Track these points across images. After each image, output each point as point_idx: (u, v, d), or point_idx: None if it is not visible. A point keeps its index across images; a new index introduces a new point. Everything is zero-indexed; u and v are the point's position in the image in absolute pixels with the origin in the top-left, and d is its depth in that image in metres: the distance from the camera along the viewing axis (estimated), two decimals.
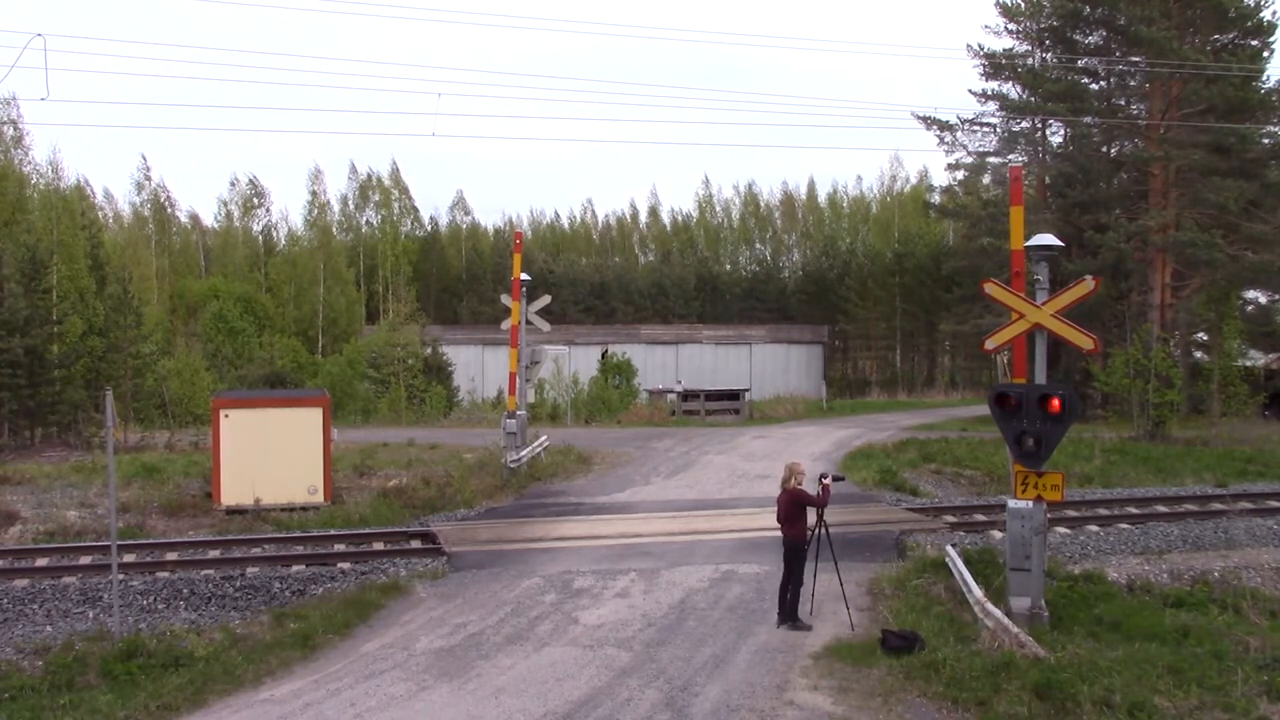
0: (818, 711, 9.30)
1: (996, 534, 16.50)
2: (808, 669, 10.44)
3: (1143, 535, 17.25)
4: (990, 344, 12.70)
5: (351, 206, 69.62)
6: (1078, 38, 43.73)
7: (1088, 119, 41.99)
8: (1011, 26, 44.52)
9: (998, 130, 45.17)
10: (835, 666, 10.49)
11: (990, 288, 12.47)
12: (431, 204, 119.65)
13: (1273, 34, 40.27)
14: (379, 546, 16.58)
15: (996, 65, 43.32)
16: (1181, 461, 26.03)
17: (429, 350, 45.23)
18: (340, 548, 16.46)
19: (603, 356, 46.60)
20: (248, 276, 60.95)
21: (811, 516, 12.06)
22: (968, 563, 13.24)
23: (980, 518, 18.55)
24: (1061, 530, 17.46)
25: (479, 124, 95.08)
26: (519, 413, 22.79)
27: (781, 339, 56.40)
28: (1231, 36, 40.48)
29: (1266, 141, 40.27)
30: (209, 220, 68.62)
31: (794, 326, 59.48)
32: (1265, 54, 40.67)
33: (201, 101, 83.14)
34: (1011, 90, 43.89)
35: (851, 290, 63.86)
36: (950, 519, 18.30)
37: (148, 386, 36.40)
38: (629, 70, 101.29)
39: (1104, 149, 43.91)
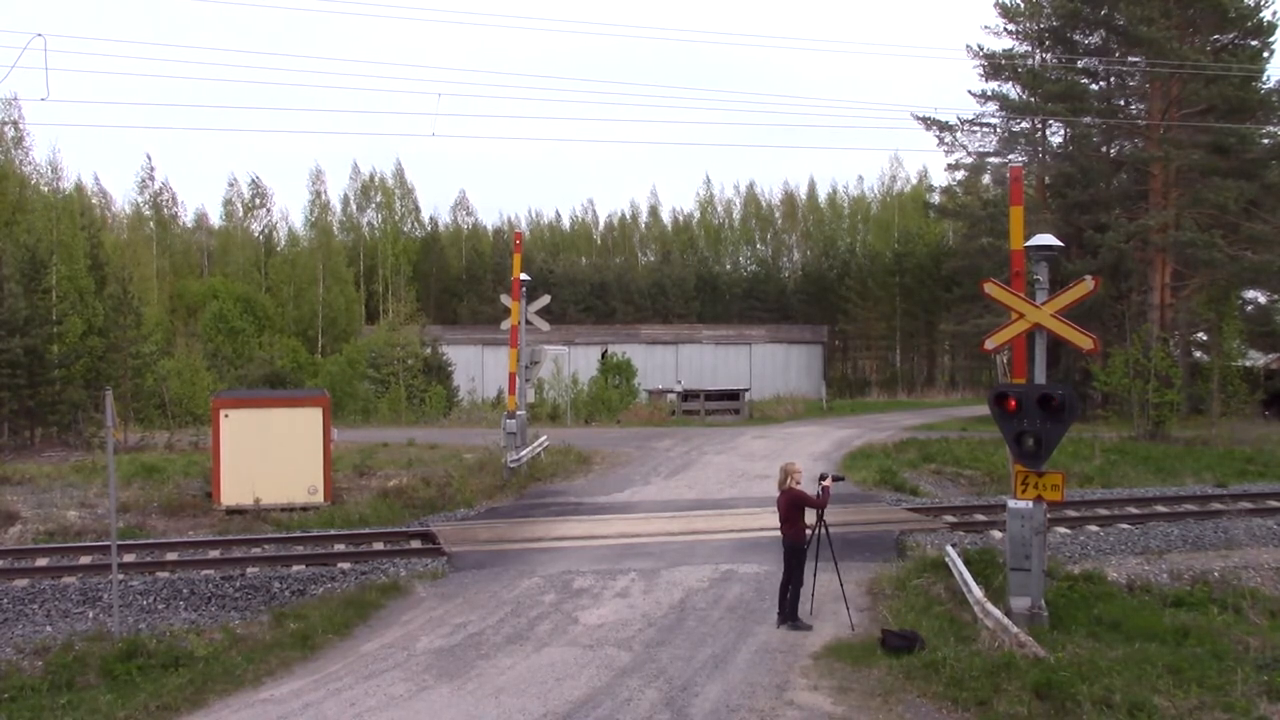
0: (818, 711, 9.29)
1: (996, 534, 16.49)
2: (808, 669, 10.43)
3: (1143, 535, 17.25)
4: (990, 344, 12.69)
5: (353, 207, 69.74)
6: (1078, 38, 43.78)
7: (1088, 119, 41.99)
8: (1011, 27, 44.56)
9: (998, 130, 45.22)
10: (835, 666, 10.48)
11: (990, 288, 12.46)
12: (431, 204, 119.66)
13: (1273, 34, 40.32)
14: (379, 546, 16.57)
15: (996, 66, 43.32)
16: (1181, 461, 26.02)
17: (429, 350, 45.23)
18: (340, 548, 16.46)
19: (602, 356, 46.60)
20: (248, 276, 60.97)
21: (811, 517, 12.05)
22: (968, 563, 13.23)
23: (980, 518, 18.54)
24: (1061, 530, 17.45)
25: (479, 124, 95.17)
26: (519, 413, 22.77)
27: (781, 339, 56.41)
28: (1231, 36, 40.52)
29: (1266, 141, 40.31)
30: (213, 220, 68.85)
31: (794, 326, 59.50)
32: (1265, 54, 40.76)
33: (202, 101, 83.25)
34: (1011, 91, 43.94)
35: (851, 290, 63.86)
36: (950, 519, 18.29)
37: (148, 386, 36.42)
38: (629, 70, 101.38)
39: (1104, 149, 43.93)
